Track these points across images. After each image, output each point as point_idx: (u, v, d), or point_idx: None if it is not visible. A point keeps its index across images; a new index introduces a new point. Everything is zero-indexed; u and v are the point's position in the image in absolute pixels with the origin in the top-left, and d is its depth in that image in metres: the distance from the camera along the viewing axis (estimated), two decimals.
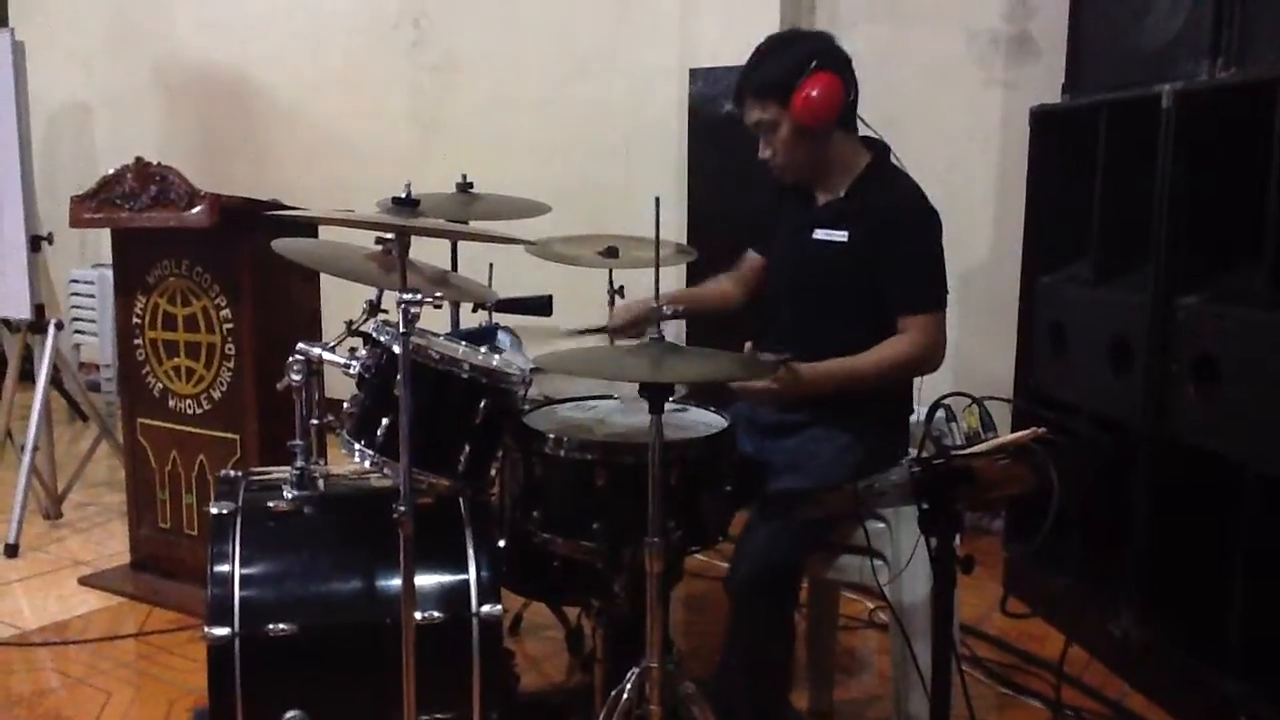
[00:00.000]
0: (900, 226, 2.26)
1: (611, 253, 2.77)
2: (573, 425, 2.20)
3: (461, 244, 3.17)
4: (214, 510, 2.12)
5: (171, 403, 3.27)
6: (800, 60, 2.24)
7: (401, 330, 1.83)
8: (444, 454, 2.05)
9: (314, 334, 3.13)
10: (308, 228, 2.87)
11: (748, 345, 2.20)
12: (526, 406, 2.23)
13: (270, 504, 2.16)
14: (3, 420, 4.16)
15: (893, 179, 2.33)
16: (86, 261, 5.66)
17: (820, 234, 2.35)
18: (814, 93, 2.22)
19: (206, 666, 1.99)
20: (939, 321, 2.26)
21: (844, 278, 2.31)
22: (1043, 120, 3.26)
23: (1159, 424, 2.69)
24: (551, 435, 2.05)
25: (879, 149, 2.36)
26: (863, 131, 2.38)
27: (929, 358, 2.26)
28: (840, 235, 2.32)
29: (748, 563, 2.18)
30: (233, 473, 2.30)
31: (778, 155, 2.34)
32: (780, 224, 2.52)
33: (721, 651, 2.28)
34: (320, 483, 2.22)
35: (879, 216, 2.27)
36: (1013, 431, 1.67)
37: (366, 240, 2.03)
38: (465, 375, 2.06)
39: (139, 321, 3.29)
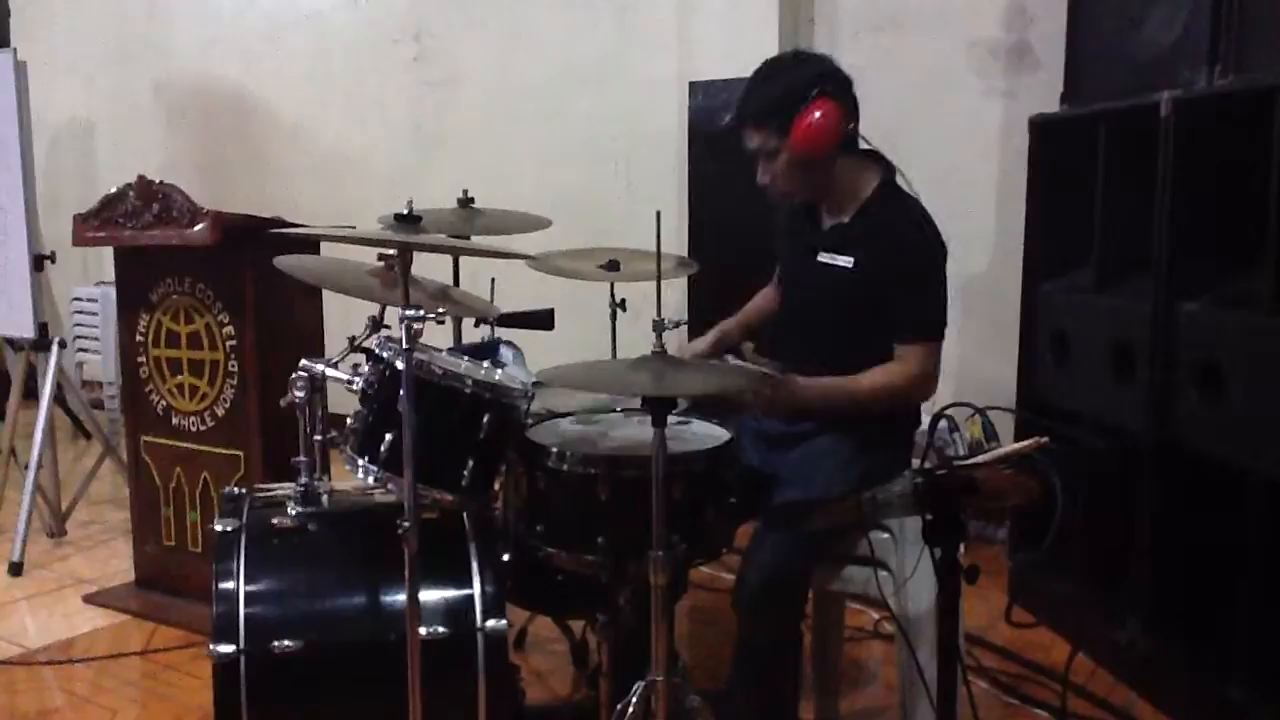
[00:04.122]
0: (903, 256, 2.26)
1: (613, 266, 2.77)
2: (576, 439, 2.20)
3: (463, 259, 3.18)
4: (218, 527, 2.12)
5: (175, 420, 3.27)
6: (799, 87, 2.23)
7: (405, 346, 1.84)
8: (447, 469, 2.05)
9: (316, 350, 3.13)
10: (310, 244, 2.88)
11: (748, 345, 2.22)
12: (529, 421, 2.23)
13: (274, 521, 2.16)
14: (7, 438, 4.17)
15: (899, 205, 2.32)
16: (89, 279, 5.67)
17: (825, 258, 2.35)
18: (813, 122, 2.20)
19: (212, 684, 1.98)
20: (933, 352, 2.27)
21: (849, 302, 2.32)
22: (1042, 129, 3.27)
23: (1162, 431, 2.69)
24: (555, 449, 2.05)
25: (885, 170, 2.36)
26: (865, 147, 2.37)
27: (920, 387, 2.27)
28: (845, 260, 2.32)
29: (754, 576, 2.18)
30: (237, 489, 2.30)
31: (776, 182, 2.34)
32: (787, 242, 2.53)
33: (730, 665, 2.28)
34: (324, 499, 2.22)
35: (884, 244, 2.27)
36: (1016, 441, 1.67)
37: (368, 256, 2.03)
38: (468, 390, 2.06)
39: (142, 339, 3.30)
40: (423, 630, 1.92)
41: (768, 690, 2.24)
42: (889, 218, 2.30)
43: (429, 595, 2.03)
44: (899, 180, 2.36)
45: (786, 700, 2.29)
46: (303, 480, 2.20)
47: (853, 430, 2.30)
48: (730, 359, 2.42)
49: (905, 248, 2.27)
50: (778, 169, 2.31)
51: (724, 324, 2.62)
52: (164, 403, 3.29)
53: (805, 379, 2.22)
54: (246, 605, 2.02)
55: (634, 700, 1.92)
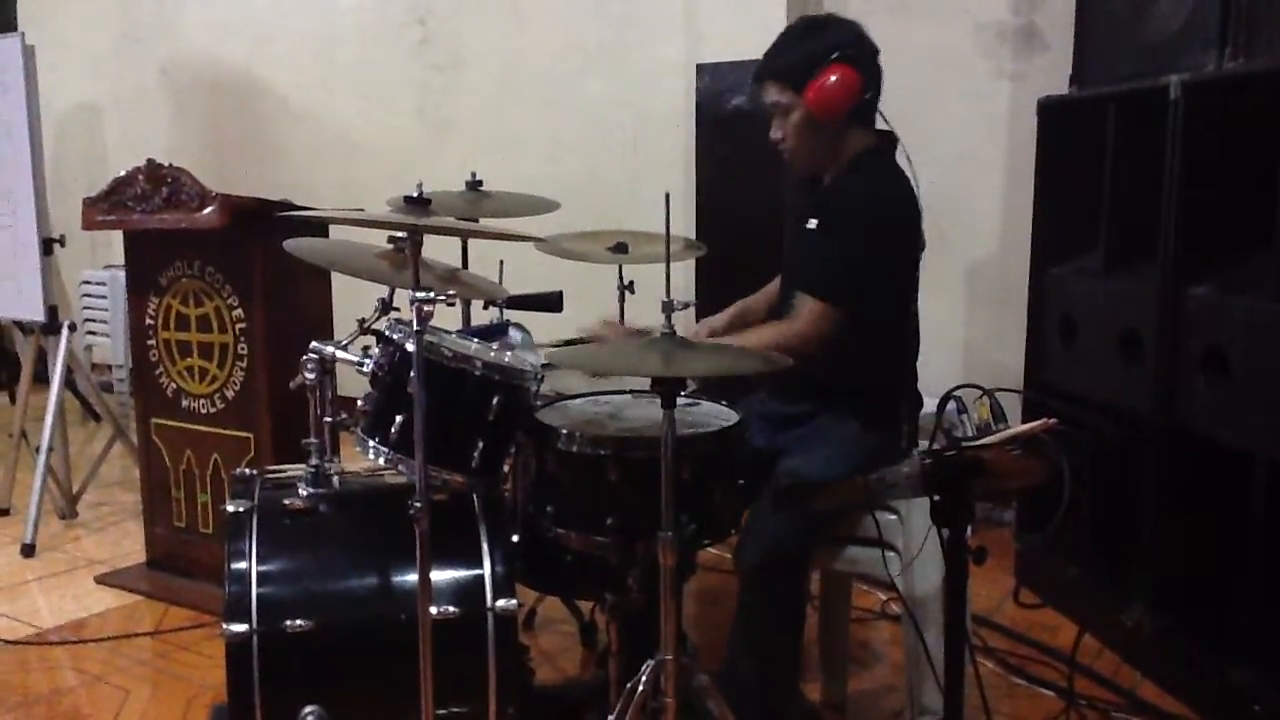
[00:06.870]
0: (839, 214, 2.28)
1: (621, 248, 2.77)
2: (585, 420, 2.21)
3: (471, 241, 3.18)
4: (230, 508, 2.14)
5: (185, 402, 3.29)
6: (823, 49, 2.25)
7: (416, 328, 1.84)
8: (457, 450, 2.06)
9: (325, 333, 3.13)
10: (318, 227, 2.89)
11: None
12: (539, 402, 2.24)
13: (286, 502, 2.17)
14: (18, 422, 4.19)
15: (869, 172, 2.32)
16: (98, 262, 5.68)
17: (810, 223, 2.38)
18: (829, 85, 2.22)
19: (225, 663, 2.00)
20: (824, 312, 2.20)
21: None
22: (1050, 112, 3.26)
23: (1169, 414, 2.69)
24: (564, 431, 2.06)
25: (883, 141, 2.36)
26: (881, 125, 2.38)
27: (804, 344, 2.17)
28: (814, 224, 2.35)
29: (754, 550, 2.20)
30: (247, 471, 2.31)
31: (788, 139, 2.35)
32: (790, 215, 2.54)
33: (729, 639, 2.29)
34: (335, 480, 2.24)
35: (838, 200, 2.30)
36: (1023, 423, 1.67)
37: (377, 239, 2.04)
38: (478, 372, 2.07)
39: (152, 322, 3.31)
40: (433, 610, 1.94)
41: (767, 663, 2.25)
42: (856, 179, 2.32)
43: (440, 575, 2.05)
44: (898, 155, 2.35)
45: (786, 674, 2.30)
46: (313, 462, 2.21)
47: (855, 410, 2.31)
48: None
49: (851, 201, 2.28)
50: (789, 127, 2.33)
51: (744, 301, 2.63)
52: (174, 385, 3.30)
53: (704, 332, 2.28)
54: (259, 585, 2.03)
55: (643, 680, 1.94)
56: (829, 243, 2.27)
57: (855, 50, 2.27)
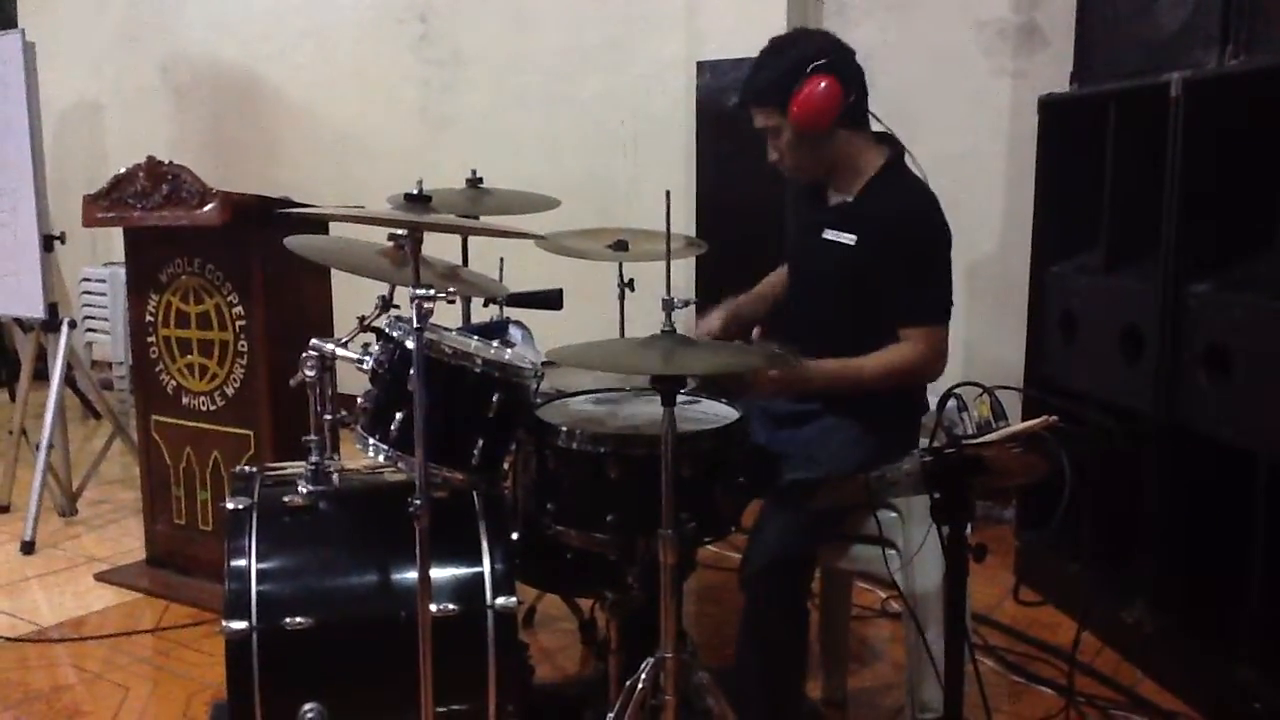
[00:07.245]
0: (905, 237, 2.27)
1: (621, 246, 2.77)
2: (585, 418, 2.21)
3: (472, 239, 3.18)
4: (230, 505, 2.13)
5: (185, 400, 3.28)
6: (797, 64, 2.26)
7: (416, 325, 1.84)
8: (458, 448, 2.06)
9: (326, 330, 3.13)
10: (319, 224, 2.88)
11: (756, 331, 2.22)
12: (539, 400, 2.24)
13: (285, 499, 2.16)
14: (18, 419, 4.19)
15: (904, 185, 2.34)
16: (98, 259, 5.68)
17: (830, 235, 2.37)
18: (811, 96, 2.23)
19: (224, 660, 2.00)
20: (940, 334, 2.28)
21: (851, 280, 2.33)
22: (1051, 110, 3.26)
23: (1170, 412, 2.69)
24: (564, 428, 2.06)
25: (893, 149, 2.37)
26: (876, 127, 2.38)
27: (928, 368, 2.28)
28: (849, 238, 2.33)
29: (760, 554, 2.19)
30: (247, 468, 2.31)
31: (784, 159, 2.37)
32: (793, 221, 2.54)
33: (736, 642, 2.29)
34: (335, 478, 2.23)
35: (886, 224, 2.28)
36: (1024, 420, 1.67)
37: (377, 236, 2.04)
38: (478, 369, 2.07)
39: (152, 319, 3.31)
40: (433, 608, 1.93)
41: (773, 667, 2.25)
42: (893, 197, 2.32)
43: (439, 573, 2.04)
44: (907, 160, 2.36)
45: (792, 678, 2.31)
46: (313, 459, 2.20)
47: (859, 410, 2.31)
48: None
49: (908, 229, 2.28)
50: (783, 146, 2.34)
51: (735, 300, 2.64)
52: (174, 383, 3.30)
53: (813, 362, 2.22)
54: (259, 582, 2.03)
55: (643, 677, 1.94)
56: (907, 270, 2.26)
57: (830, 57, 2.27)
